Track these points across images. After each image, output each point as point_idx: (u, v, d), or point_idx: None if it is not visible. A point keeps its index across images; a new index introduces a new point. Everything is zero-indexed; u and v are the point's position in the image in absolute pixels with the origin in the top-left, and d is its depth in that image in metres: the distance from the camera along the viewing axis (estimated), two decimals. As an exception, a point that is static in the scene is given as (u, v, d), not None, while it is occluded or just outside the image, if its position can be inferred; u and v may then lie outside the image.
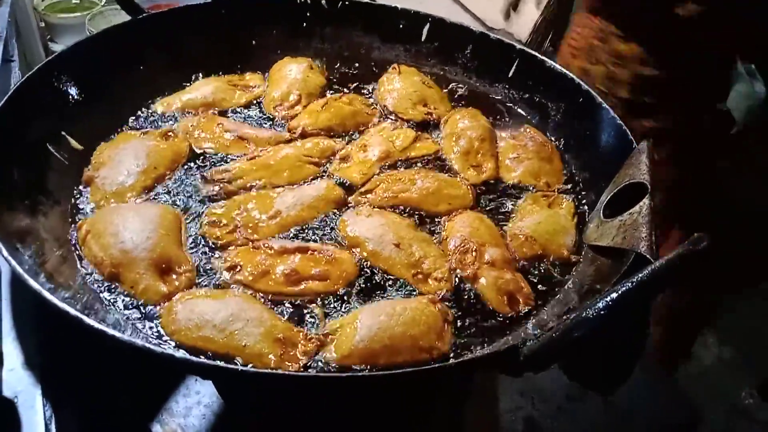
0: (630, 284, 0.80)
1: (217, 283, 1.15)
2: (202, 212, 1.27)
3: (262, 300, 1.12)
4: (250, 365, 1.00)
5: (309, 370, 1.02)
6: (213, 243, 1.21)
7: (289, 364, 1.01)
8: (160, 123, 1.49)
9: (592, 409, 1.44)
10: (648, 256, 1.01)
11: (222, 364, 0.94)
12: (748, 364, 2.11)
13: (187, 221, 1.26)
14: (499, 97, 1.70)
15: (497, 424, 1.41)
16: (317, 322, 1.10)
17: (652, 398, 1.50)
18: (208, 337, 1.02)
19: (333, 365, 1.03)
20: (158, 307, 1.08)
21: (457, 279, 1.21)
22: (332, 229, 1.28)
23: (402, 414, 1.30)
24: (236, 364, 0.99)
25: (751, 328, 2.20)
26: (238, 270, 1.15)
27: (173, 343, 1.02)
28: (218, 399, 1.32)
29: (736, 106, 3.29)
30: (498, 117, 1.63)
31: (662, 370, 1.67)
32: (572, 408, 1.44)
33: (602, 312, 0.79)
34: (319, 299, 1.14)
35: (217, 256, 1.19)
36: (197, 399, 1.32)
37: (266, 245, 1.19)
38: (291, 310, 1.12)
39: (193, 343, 1.02)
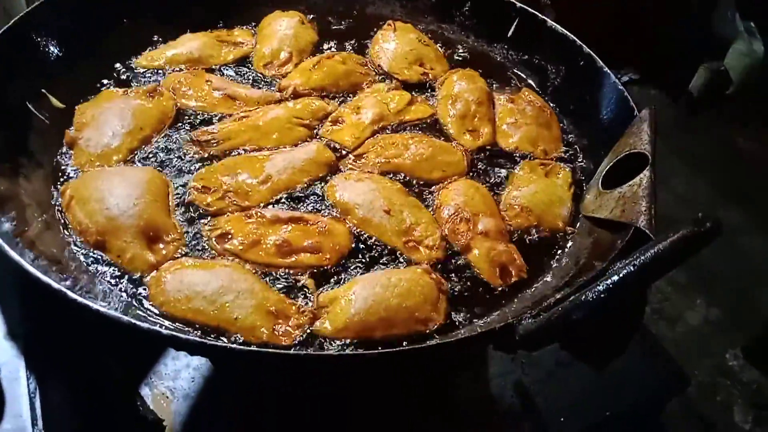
0: (631, 267, 0.78)
1: (203, 251, 1.12)
2: (189, 175, 1.23)
3: (254, 270, 1.09)
4: (242, 339, 0.98)
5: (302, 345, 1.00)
6: (203, 210, 1.17)
7: (282, 338, 0.99)
8: (143, 80, 1.44)
9: (581, 374, 1.45)
10: (647, 231, 1.00)
11: (210, 341, 0.93)
12: (734, 326, 2.13)
13: (175, 186, 1.22)
14: (498, 58, 1.65)
15: (487, 389, 1.42)
16: (310, 293, 1.07)
17: (639, 362, 1.51)
18: (198, 309, 1.00)
19: (328, 339, 1.01)
20: (146, 277, 1.05)
21: (449, 250, 1.19)
22: (321, 196, 1.24)
23: (393, 382, 1.30)
24: (226, 338, 0.97)
25: (738, 290, 2.22)
26: (228, 239, 1.12)
27: (162, 315, 1.00)
28: (207, 362, 1.31)
29: (734, 65, 3.25)
30: (496, 79, 1.59)
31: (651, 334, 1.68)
32: (561, 373, 1.46)
33: (602, 295, 0.78)
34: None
35: (205, 222, 1.16)
36: (186, 362, 1.32)
37: (259, 213, 1.16)
38: (282, 279, 1.09)
39: (183, 315, 1.00)
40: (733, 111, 3.24)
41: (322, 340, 1.01)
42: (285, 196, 1.22)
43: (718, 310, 2.13)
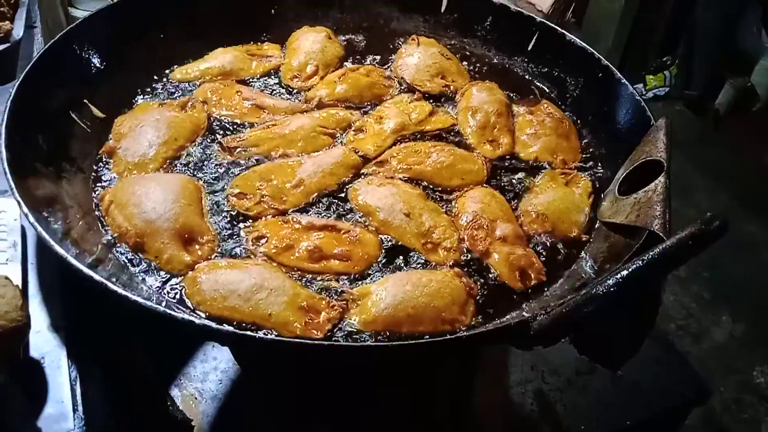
0: (640, 262, 0.81)
1: (236, 252, 1.16)
2: (222, 182, 1.29)
3: (284, 270, 1.14)
4: (276, 333, 1.02)
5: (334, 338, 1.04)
6: (243, 214, 1.22)
7: (315, 331, 1.03)
8: (178, 91, 1.50)
9: (601, 383, 1.46)
10: (661, 234, 1.02)
11: (241, 331, 0.97)
12: (760, 342, 2.10)
13: (207, 191, 1.27)
14: (518, 71, 1.69)
15: (507, 396, 1.43)
16: (341, 288, 1.11)
17: (661, 373, 1.51)
18: (233, 307, 1.04)
19: (357, 330, 1.05)
20: (181, 277, 1.10)
21: (467, 253, 1.22)
22: (345, 199, 1.29)
23: (414, 387, 1.33)
24: (258, 332, 1.01)
25: (764, 305, 2.19)
26: (263, 241, 1.17)
27: (201, 313, 1.04)
28: (234, 365, 1.35)
29: (761, 81, 3.24)
30: (516, 91, 1.62)
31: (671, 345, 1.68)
32: (581, 381, 1.46)
33: (612, 289, 0.81)
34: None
35: (244, 225, 1.21)
36: (214, 365, 1.36)
37: (295, 219, 1.21)
38: (311, 280, 1.14)
39: (220, 313, 1.04)
40: (759, 126, 3.23)
41: (352, 333, 1.05)
42: (311, 199, 1.27)
43: (744, 325, 2.10)
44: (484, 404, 1.42)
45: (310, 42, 1.65)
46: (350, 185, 1.31)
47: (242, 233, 1.19)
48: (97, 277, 0.91)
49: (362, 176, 1.34)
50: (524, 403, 1.42)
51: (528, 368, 1.48)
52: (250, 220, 1.22)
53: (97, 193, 1.23)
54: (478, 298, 1.14)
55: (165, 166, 1.31)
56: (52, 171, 1.20)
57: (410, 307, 1.07)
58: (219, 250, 1.16)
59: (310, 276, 1.13)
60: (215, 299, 1.05)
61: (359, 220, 1.25)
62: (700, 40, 3.28)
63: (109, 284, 0.90)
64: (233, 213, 1.23)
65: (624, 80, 1.43)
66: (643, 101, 1.37)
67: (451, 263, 1.18)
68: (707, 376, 1.65)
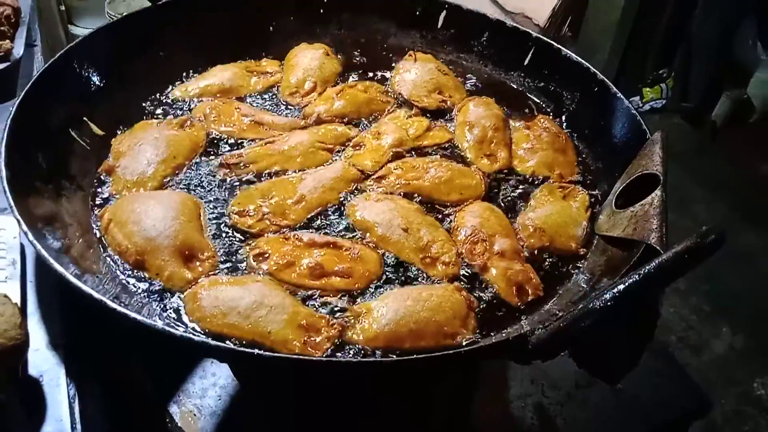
0: (637, 276, 0.81)
1: (237, 269, 1.16)
2: (221, 199, 1.30)
3: (284, 287, 1.13)
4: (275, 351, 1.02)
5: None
6: (245, 232, 1.23)
7: (313, 350, 1.03)
8: (178, 109, 1.51)
9: (601, 397, 1.46)
10: (658, 247, 1.02)
11: (239, 348, 0.97)
12: (760, 354, 2.11)
13: (207, 208, 1.28)
14: (515, 86, 1.70)
15: (507, 410, 1.43)
16: (341, 305, 1.11)
17: (661, 385, 1.51)
18: (233, 324, 1.04)
19: (358, 347, 1.05)
20: (182, 294, 1.10)
21: (467, 267, 1.22)
22: (341, 214, 1.29)
23: (414, 401, 1.33)
24: (258, 349, 1.01)
25: (763, 317, 2.20)
26: (265, 258, 1.17)
27: (199, 330, 1.04)
28: (233, 381, 1.35)
29: (757, 93, 3.25)
30: (512, 106, 1.63)
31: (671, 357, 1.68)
32: (581, 395, 1.47)
33: (610, 303, 0.81)
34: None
35: (240, 240, 1.21)
36: (213, 381, 1.36)
37: (296, 236, 1.21)
38: (311, 297, 1.14)
39: (219, 330, 1.04)
40: (755, 137, 3.24)
41: (351, 350, 1.05)
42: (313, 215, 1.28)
43: (744, 337, 2.11)
44: (484, 418, 1.43)
45: (308, 59, 1.66)
46: (348, 201, 1.32)
47: (243, 250, 1.19)
48: (96, 294, 0.91)
49: (360, 192, 1.35)
50: (524, 417, 1.42)
51: (528, 382, 1.48)
52: (251, 237, 1.22)
53: (96, 212, 1.24)
54: (477, 311, 1.14)
55: (164, 183, 1.31)
56: (52, 189, 1.20)
57: (412, 322, 1.07)
58: (220, 266, 1.16)
59: (311, 292, 1.13)
60: (215, 316, 1.05)
61: (357, 236, 1.25)
62: (697, 53, 3.30)
63: (108, 302, 0.90)
64: (235, 230, 1.23)
65: (620, 94, 1.44)
66: (639, 114, 1.38)
67: (450, 277, 1.18)
68: (708, 388, 1.65)
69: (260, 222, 1.24)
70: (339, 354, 1.04)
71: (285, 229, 1.24)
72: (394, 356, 1.03)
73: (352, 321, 1.08)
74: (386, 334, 1.06)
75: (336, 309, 1.11)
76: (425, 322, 1.07)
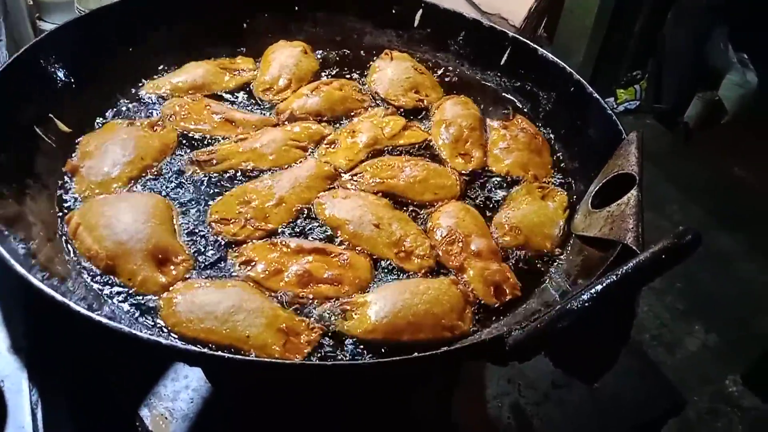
0: (614, 277, 0.81)
1: (214, 273, 1.13)
2: (194, 200, 1.26)
3: (266, 293, 1.11)
4: (254, 355, 0.99)
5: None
6: (230, 240, 1.19)
7: (291, 355, 1.01)
8: (149, 107, 1.48)
9: (578, 396, 1.46)
10: (634, 247, 1.02)
11: (209, 351, 0.94)
12: (733, 353, 2.13)
13: (178, 210, 1.24)
14: (491, 85, 1.69)
15: (484, 410, 1.43)
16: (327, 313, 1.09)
17: (636, 385, 1.52)
18: (210, 329, 1.01)
19: (356, 339, 1.05)
20: (157, 298, 1.07)
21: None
22: (309, 213, 1.27)
23: (391, 401, 1.32)
24: (231, 353, 0.98)
25: (736, 316, 2.23)
26: (252, 265, 1.14)
27: (174, 336, 1.01)
28: (206, 383, 1.33)
29: (728, 95, 3.31)
30: (489, 105, 1.63)
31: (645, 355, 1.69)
32: (558, 395, 1.47)
33: (587, 303, 0.80)
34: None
35: (215, 242, 1.19)
36: (185, 383, 1.33)
37: (283, 242, 1.18)
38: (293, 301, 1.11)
39: (196, 335, 1.01)
40: (727, 140, 3.29)
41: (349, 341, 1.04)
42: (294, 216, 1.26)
43: (717, 336, 2.13)
44: (461, 418, 1.42)
45: (285, 56, 1.64)
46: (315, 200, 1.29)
47: (229, 258, 1.16)
48: (59, 297, 0.88)
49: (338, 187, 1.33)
50: (501, 417, 1.42)
51: (504, 382, 1.48)
52: (235, 244, 1.19)
53: (64, 212, 1.20)
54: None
55: (131, 185, 1.27)
56: (15, 188, 1.16)
57: (410, 314, 1.07)
58: (196, 270, 1.13)
59: (302, 299, 1.11)
60: (191, 321, 1.02)
61: (328, 234, 1.23)
62: (670, 56, 3.34)
63: (72, 305, 0.87)
64: (218, 239, 1.19)
65: (596, 94, 1.44)
66: (615, 115, 1.38)
67: (426, 270, 1.18)
68: (682, 386, 1.66)
69: (244, 229, 1.21)
70: (337, 348, 1.03)
71: (269, 234, 1.21)
72: (382, 352, 1.03)
73: (349, 314, 1.08)
74: (384, 327, 1.05)
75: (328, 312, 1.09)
76: (423, 315, 1.07)
